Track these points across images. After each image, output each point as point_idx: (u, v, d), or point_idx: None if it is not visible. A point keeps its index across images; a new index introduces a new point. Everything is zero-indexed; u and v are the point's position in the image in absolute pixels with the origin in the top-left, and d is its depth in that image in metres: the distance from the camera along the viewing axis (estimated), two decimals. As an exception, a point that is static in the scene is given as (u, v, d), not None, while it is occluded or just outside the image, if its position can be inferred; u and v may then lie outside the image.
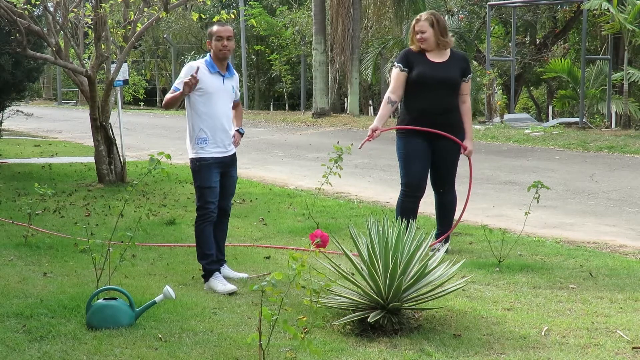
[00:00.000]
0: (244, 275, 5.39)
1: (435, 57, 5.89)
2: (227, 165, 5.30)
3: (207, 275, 5.15)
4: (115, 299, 4.32)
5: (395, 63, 5.97)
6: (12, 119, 14.52)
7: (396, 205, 6.04)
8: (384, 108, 5.91)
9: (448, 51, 5.94)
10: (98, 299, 4.31)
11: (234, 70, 5.44)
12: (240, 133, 5.52)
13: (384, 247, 4.18)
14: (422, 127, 5.80)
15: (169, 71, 34.89)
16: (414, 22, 5.96)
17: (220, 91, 5.24)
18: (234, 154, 5.38)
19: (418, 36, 5.86)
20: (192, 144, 5.20)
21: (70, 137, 18.46)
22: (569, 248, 6.29)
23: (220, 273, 5.21)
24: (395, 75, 5.91)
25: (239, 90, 5.56)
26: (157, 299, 4.37)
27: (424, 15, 5.94)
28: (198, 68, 5.09)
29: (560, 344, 3.97)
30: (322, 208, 8.11)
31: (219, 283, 5.07)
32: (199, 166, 5.18)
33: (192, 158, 5.21)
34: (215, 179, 5.20)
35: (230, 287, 5.00)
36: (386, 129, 6.00)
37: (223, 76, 5.25)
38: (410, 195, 5.91)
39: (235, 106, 5.51)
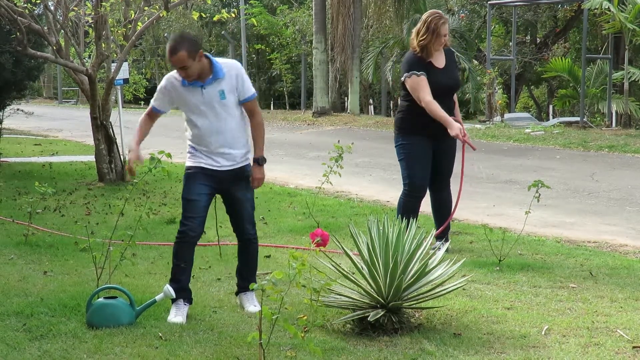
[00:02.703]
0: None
1: (438, 61, 5.88)
2: (225, 181, 4.51)
3: (172, 300, 4.45)
4: (116, 297, 4.31)
5: (412, 71, 5.76)
6: (13, 118, 14.50)
7: (397, 205, 6.05)
8: (439, 107, 5.72)
9: (442, 50, 5.93)
10: (98, 298, 4.31)
11: (225, 69, 4.42)
12: (258, 164, 4.53)
13: (384, 246, 4.18)
14: (429, 130, 5.80)
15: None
16: (438, 23, 5.74)
17: (199, 106, 4.41)
18: (237, 170, 4.53)
19: (442, 39, 5.77)
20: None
21: (70, 136, 18.46)
22: (569, 247, 6.29)
23: (189, 304, 4.49)
24: (419, 81, 5.73)
25: (246, 92, 4.49)
26: (157, 297, 4.37)
27: (443, 14, 5.89)
28: None
29: (560, 343, 3.97)
30: (322, 207, 8.11)
31: (173, 311, 4.42)
32: (186, 175, 4.55)
33: (185, 166, 4.62)
34: (198, 191, 4.46)
35: (179, 318, 4.34)
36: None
37: (202, 85, 4.38)
38: (413, 195, 5.94)
39: (249, 113, 4.52)
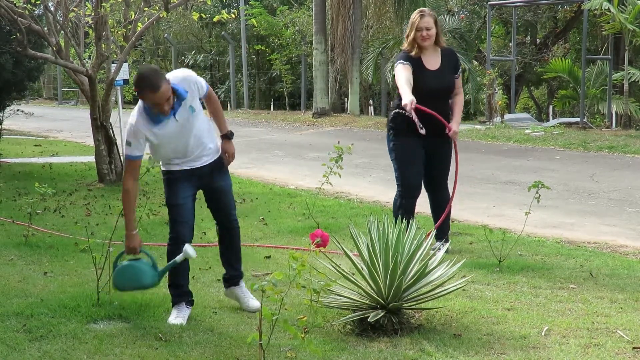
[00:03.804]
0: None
1: (431, 63, 5.82)
2: (205, 176, 4.51)
3: (173, 304, 4.51)
4: (139, 259, 4.37)
5: (398, 61, 5.79)
6: (13, 119, 14.50)
7: (393, 205, 6.05)
8: (404, 79, 5.59)
9: (438, 50, 5.90)
10: (123, 261, 4.36)
11: (184, 86, 4.28)
12: (228, 138, 4.61)
13: (384, 247, 4.18)
14: (425, 128, 5.75)
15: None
16: (416, 17, 5.76)
17: (176, 132, 4.33)
18: (215, 162, 4.54)
19: (424, 33, 5.71)
20: None
21: (70, 137, 18.46)
22: (569, 248, 6.29)
23: (190, 306, 4.52)
24: (402, 68, 5.68)
25: (204, 90, 4.46)
26: (177, 258, 4.35)
27: (426, 10, 5.82)
28: None
29: (560, 344, 3.97)
30: (322, 208, 8.11)
31: (174, 313, 4.44)
32: (167, 179, 4.50)
33: (162, 170, 4.55)
34: (184, 195, 4.45)
35: (179, 320, 4.35)
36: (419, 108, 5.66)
37: (173, 114, 4.27)
38: (407, 195, 5.93)
39: (208, 102, 4.56)
